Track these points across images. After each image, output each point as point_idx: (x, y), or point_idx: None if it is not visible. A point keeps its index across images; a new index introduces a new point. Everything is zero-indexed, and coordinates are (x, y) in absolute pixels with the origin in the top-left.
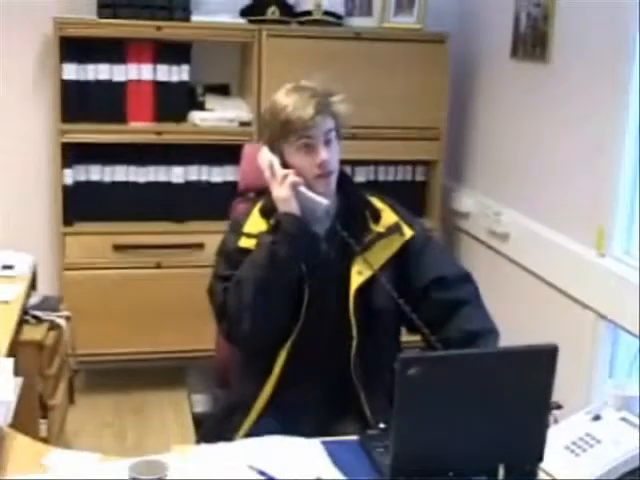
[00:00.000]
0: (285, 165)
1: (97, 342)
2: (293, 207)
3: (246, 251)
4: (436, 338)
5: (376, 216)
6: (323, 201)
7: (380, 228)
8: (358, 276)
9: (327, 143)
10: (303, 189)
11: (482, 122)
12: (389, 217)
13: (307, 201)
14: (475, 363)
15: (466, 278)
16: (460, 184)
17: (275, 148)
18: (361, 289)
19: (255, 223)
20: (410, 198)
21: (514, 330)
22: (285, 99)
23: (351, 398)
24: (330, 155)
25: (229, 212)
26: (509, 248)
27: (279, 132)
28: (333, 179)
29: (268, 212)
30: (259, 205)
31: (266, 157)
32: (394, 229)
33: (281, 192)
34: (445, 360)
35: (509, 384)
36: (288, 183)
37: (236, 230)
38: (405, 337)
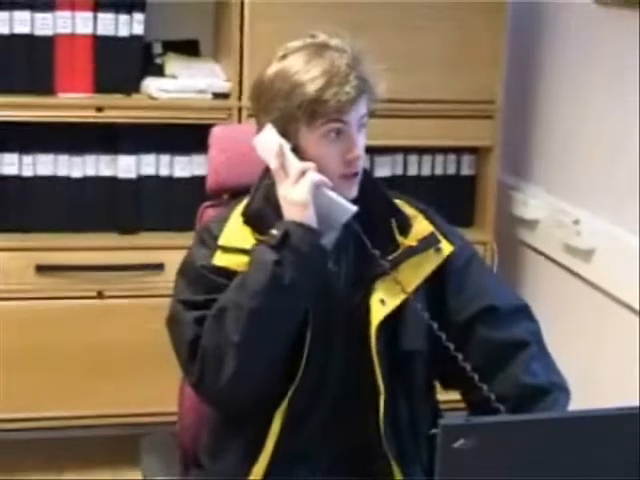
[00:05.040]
0: (296, 155)
1: (10, 402)
2: (309, 216)
3: (224, 271)
4: (486, 395)
5: (404, 225)
6: (352, 208)
7: (410, 241)
8: (381, 306)
9: (359, 131)
10: (327, 191)
11: (554, 93)
12: (422, 227)
13: (329, 207)
14: (543, 432)
15: (524, 311)
16: (523, 180)
17: (287, 132)
18: (384, 324)
19: (235, 233)
20: (453, 199)
21: (596, 383)
22: (310, 66)
23: (380, 477)
24: (362, 149)
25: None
26: (593, 270)
27: (299, 112)
28: (358, 180)
29: (255, 218)
30: (241, 208)
31: (273, 141)
32: (430, 242)
33: (297, 193)
34: (504, 428)
35: (590, 460)
36: (309, 182)
37: (208, 242)
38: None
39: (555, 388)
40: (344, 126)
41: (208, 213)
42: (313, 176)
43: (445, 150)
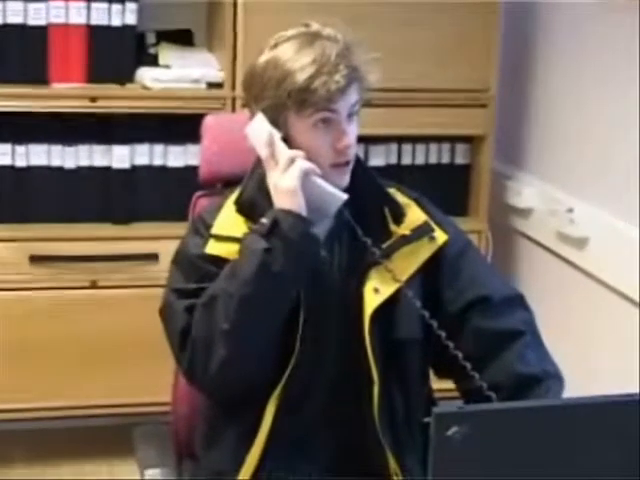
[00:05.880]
0: (287, 144)
1: (3, 392)
2: (299, 203)
3: (216, 259)
4: (478, 383)
5: (398, 214)
6: (342, 196)
7: (404, 230)
8: (374, 295)
9: (350, 120)
10: (316, 179)
11: (549, 83)
12: (416, 215)
13: (319, 195)
14: (539, 420)
15: (518, 301)
16: (517, 169)
17: (278, 121)
18: (378, 313)
19: (229, 222)
20: (447, 188)
21: (590, 372)
22: (301, 55)
23: (374, 465)
24: (353, 138)
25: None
26: (587, 258)
27: (289, 101)
28: (350, 169)
29: (248, 207)
30: (234, 197)
31: (264, 130)
32: (423, 231)
33: (286, 181)
34: (498, 416)
35: (586, 448)
36: (298, 169)
37: (201, 231)
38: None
39: (549, 376)
40: (334, 115)
41: (201, 203)
42: (302, 164)
43: (439, 139)
